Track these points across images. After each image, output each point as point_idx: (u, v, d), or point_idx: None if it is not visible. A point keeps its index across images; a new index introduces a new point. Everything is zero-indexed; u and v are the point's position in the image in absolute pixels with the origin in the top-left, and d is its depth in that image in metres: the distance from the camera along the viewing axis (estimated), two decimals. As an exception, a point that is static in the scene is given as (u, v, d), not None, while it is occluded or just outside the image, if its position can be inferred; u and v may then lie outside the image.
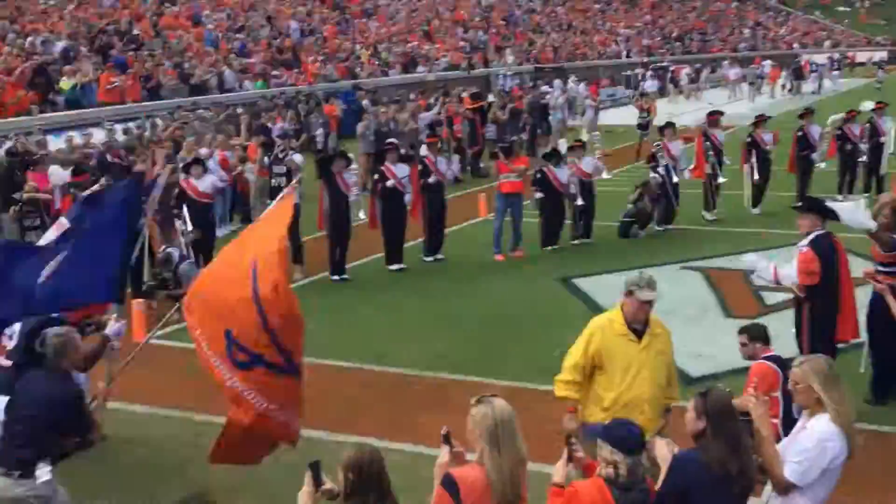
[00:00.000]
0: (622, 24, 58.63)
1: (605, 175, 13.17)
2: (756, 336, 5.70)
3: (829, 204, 7.38)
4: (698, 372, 8.19)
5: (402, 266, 12.23)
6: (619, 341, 5.14)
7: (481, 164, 20.07)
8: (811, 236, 6.88)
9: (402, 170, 12.21)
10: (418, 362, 8.65)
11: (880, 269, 7.17)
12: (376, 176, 12.35)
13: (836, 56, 52.38)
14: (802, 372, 4.09)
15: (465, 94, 21.84)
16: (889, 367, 7.31)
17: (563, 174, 12.81)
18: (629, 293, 5.12)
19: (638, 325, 5.15)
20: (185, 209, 11.10)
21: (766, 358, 5.62)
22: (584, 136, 18.46)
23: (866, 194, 15.51)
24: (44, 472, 4.74)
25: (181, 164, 12.79)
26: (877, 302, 7.05)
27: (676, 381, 5.42)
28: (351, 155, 13.17)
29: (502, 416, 3.71)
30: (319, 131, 19.84)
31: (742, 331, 5.84)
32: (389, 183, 11.96)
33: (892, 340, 7.08)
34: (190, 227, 10.87)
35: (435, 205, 12.55)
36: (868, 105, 15.44)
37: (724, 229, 13.95)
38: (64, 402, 4.90)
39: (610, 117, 29.70)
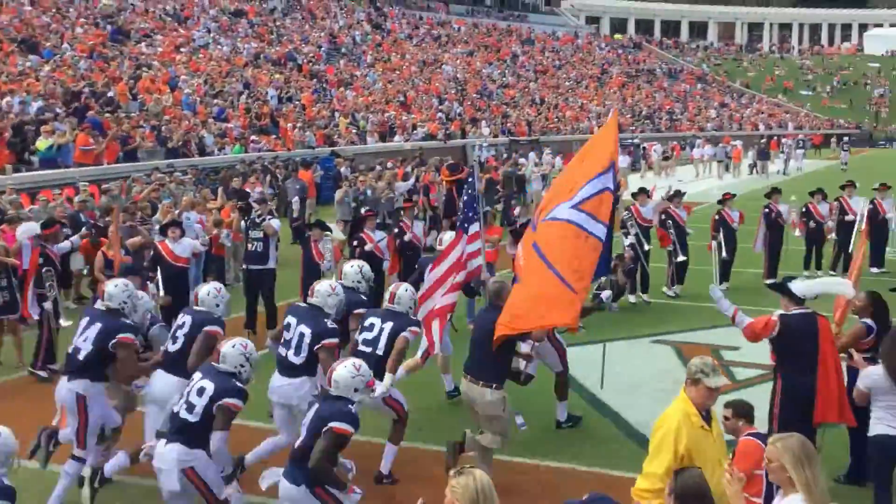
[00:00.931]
0: (593, 101, 59.88)
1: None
2: (740, 413, 5.71)
3: (798, 283, 7.40)
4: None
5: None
6: (701, 435, 4.86)
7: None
8: (791, 312, 6.97)
9: (379, 236, 12.40)
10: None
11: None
12: (355, 242, 12.50)
13: (801, 137, 53.66)
14: (776, 450, 4.10)
15: (443, 166, 22.07)
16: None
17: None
18: (695, 381, 4.93)
19: (704, 414, 4.97)
20: (158, 273, 10.75)
21: (752, 435, 5.63)
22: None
23: (832, 272, 15.87)
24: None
25: (158, 226, 12.75)
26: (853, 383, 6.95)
27: None
28: (333, 226, 13.30)
29: (483, 487, 3.73)
30: (296, 198, 19.93)
31: (727, 405, 5.84)
32: (368, 247, 12.15)
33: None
34: (162, 292, 10.52)
35: (409, 268, 12.63)
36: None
37: (695, 304, 14.09)
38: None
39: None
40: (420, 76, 48.92)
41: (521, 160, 28.92)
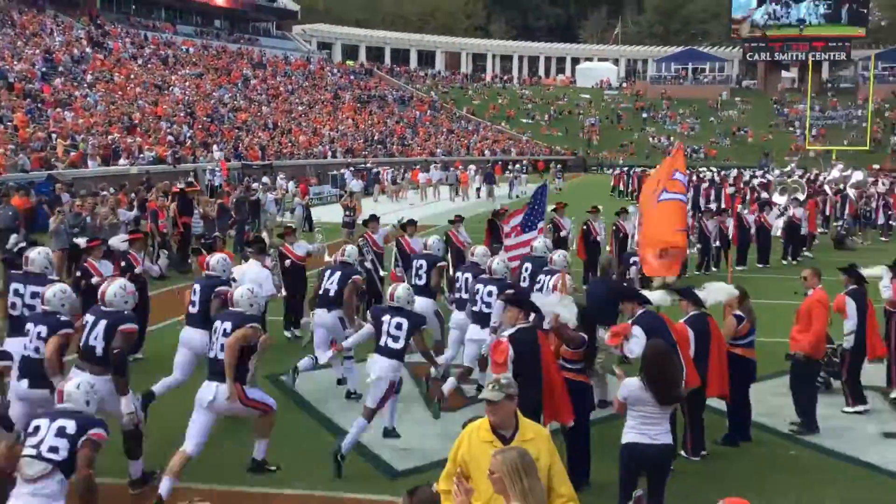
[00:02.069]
0: (326, 125, 60.24)
1: (326, 258, 13.13)
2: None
3: (534, 297, 8.04)
4: (404, 465, 8.31)
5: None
6: (483, 448, 4.83)
7: (189, 261, 19.51)
8: (513, 329, 7.29)
9: (106, 267, 11.49)
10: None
11: (566, 365, 7.72)
12: (78, 273, 11.52)
13: (525, 162, 56.92)
14: (496, 462, 4.22)
15: (176, 186, 21.22)
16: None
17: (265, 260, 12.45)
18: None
19: (506, 431, 4.92)
20: None
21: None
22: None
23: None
24: None
25: None
26: None
27: (565, 481, 4.93)
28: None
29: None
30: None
31: (409, 492, 5.76)
32: (94, 280, 11.23)
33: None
34: None
35: (141, 301, 11.95)
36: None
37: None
38: None
39: (317, 215, 30.13)
40: (146, 97, 46.97)
41: (255, 185, 28.45)
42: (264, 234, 20.46)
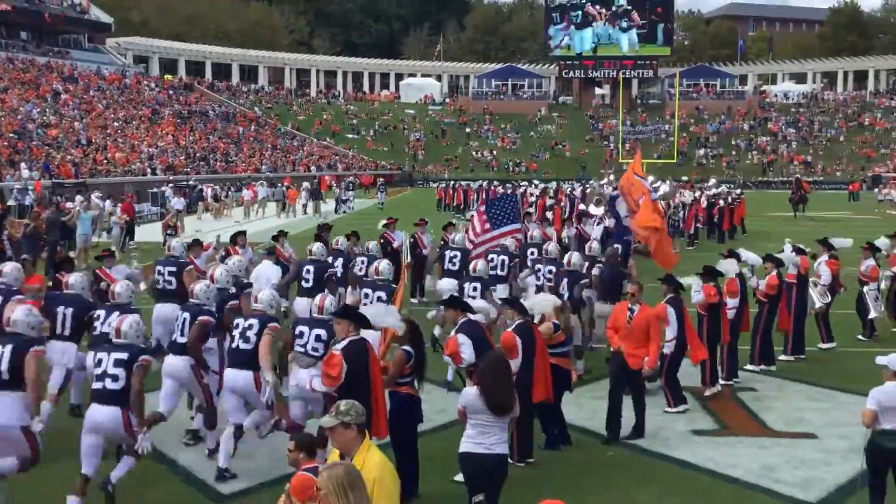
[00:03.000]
0: (144, 142, 58.22)
1: (142, 286, 12.64)
2: (301, 446, 5.68)
3: (362, 310, 8.09)
4: (230, 489, 8.18)
5: None
6: None
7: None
8: (345, 342, 7.35)
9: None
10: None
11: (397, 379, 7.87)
12: None
13: (351, 179, 56.87)
14: (322, 479, 4.26)
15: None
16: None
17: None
18: None
19: (350, 457, 5.05)
20: None
21: (308, 469, 5.68)
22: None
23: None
24: None
25: None
26: None
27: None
28: None
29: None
30: None
31: (291, 438, 5.89)
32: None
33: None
34: None
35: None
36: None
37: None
38: None
39: (138, 234, 29.08)
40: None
41: (68, 204, 27.09)
42: (72, 254, 19.58)
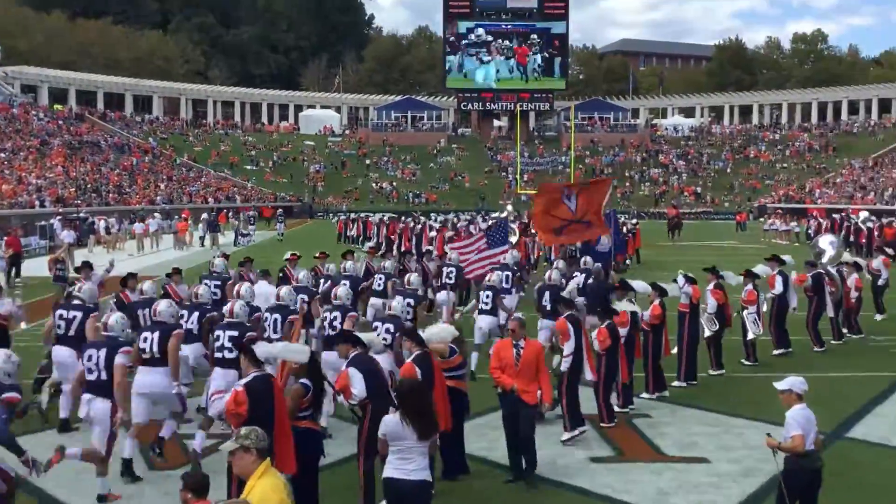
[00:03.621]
0: (32, 173, 56.37)
1: (23, 325, 12.25)
2: (189, 486, 5.56)
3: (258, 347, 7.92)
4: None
5: None
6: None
7: None
8: (249, 378, 7.28)
9: None
10: None
11: (297, 413, 7.80)
12: None
13: (251, 212, 56.15)
14: None
15: None
16: None
17: None
18: None
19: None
20: None
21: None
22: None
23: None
24: None
25: None
26: None
27: None
28: None
29: None
30: None
31: (182, 477, 5.77)
32: None
33: None
34: None
35: None
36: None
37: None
38: None
39: (25, 269, 28.07)
40: None
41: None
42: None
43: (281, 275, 16.32)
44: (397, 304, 11.26)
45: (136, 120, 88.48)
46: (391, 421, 6.71)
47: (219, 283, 13.54)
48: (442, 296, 17.00)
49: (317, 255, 18.23)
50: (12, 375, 7.93)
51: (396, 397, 7.08)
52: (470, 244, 19.37)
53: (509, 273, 16.52)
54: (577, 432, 10.60)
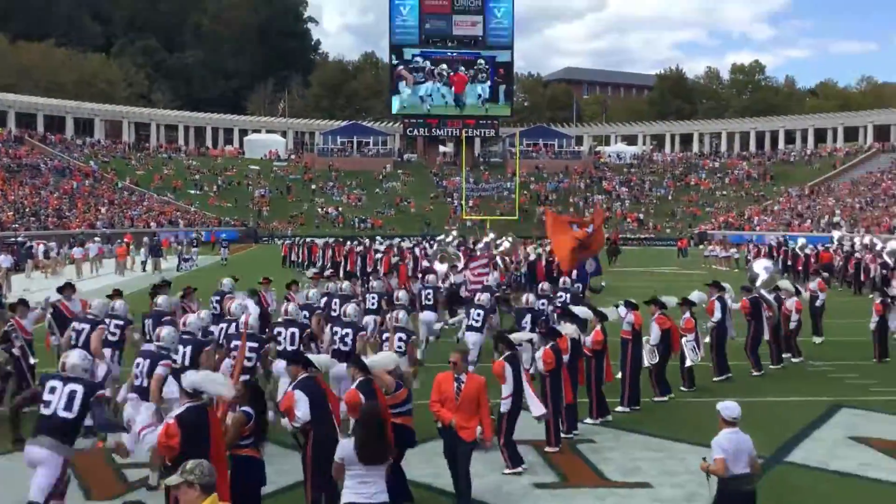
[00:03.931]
0: (-31, 196, 55.15)
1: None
2: None
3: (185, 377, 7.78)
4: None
5: None
6: None
7: None
8: (181, 409, 7.18)
9: None
10: None
11: (238, 442, 7.73)
12: None
13: (194, 235, 55.55)
14: None
15: None
16: None
17: None
18: None
19: None
20: None
21: None
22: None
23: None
24: None
25: None
26: None
27: None
28: None
29: None
30: None
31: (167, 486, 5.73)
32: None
33: None
34: None
35: None
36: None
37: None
38: None
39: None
40: None
41: None
42: None
43: (255, 298, 16.19)
44: (403, 315, 12.43)
45: (77, 143, 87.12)
46: (347, 446, 6.70)
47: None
48: (425, 316, 18.12)
49: (260, 280, 18.10)
50: (88, 371, 8.36)
51: (358, 421, 7.05)
52: (482, 265, 22.60)
53: (489, 294, 17.41)
54: (518, 469, 10.50)
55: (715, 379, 16.10)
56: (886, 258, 31.27)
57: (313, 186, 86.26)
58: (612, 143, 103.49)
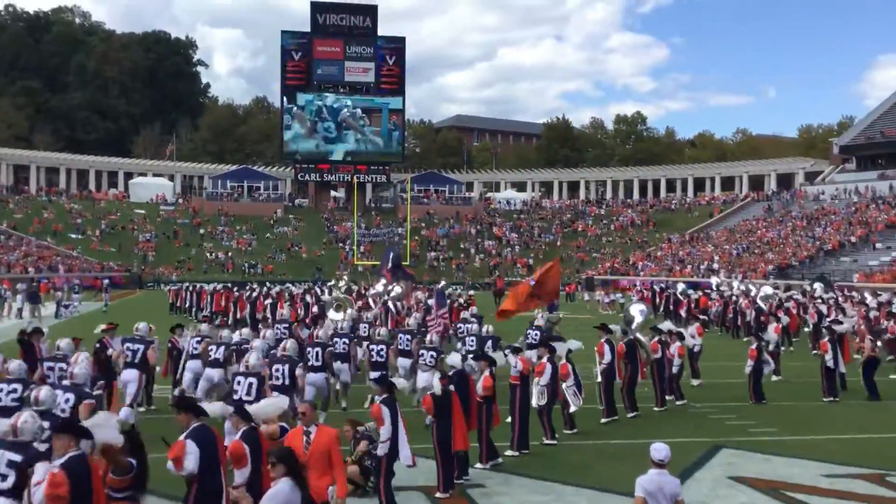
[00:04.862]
0: None
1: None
2: None
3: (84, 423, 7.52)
4: None
5: None
6: None
7: None
8: (65, 457, 6.89)
9: None
10: None
11: (113, 494, 7.33)
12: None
13: (77, 281, 53.73)
14: None
15: None
16: None
17: None
18: None
19: None
20: None
21: None
22: None
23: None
24: None
25: None
26: None
27: None
28: None
29: None
30: None
31: None
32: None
33: None
34: None
35: None
36: None
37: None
38: None
39: None
40: None
41: None
42: None
43: (98, 346, 15.75)
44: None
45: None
46: (283, 490, 6.69)
47: None
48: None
49: (103, 327, 17.01)
50: None
51: (281, 465, 7.07)
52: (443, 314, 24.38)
53: (409, 336, 18.81)
54: None
55: (603, 421, 16.45)
56: (760, 303, 32.56)
57: (202, 231, 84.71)
58: (502, 190, 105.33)
